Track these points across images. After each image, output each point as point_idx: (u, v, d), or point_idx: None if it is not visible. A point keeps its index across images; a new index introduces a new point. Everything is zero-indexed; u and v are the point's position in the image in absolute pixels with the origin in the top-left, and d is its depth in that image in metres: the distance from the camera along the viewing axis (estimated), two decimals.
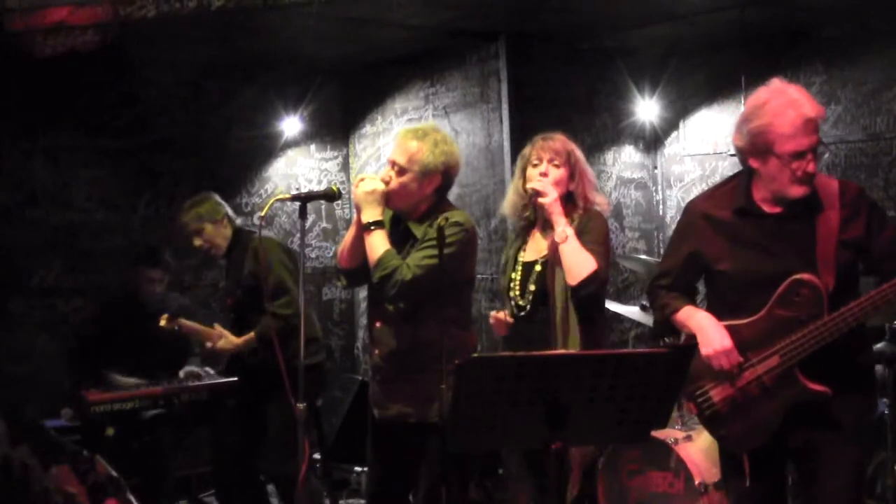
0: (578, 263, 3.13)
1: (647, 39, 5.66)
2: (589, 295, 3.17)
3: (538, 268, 3.28)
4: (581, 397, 2.29)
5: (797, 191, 2.68)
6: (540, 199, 3.18)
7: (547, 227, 3.29)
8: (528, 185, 3.25)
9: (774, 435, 2.74)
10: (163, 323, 4.52)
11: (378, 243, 3.18)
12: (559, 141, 3.34)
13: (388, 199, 3.24)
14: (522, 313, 3.29)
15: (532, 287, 3.27)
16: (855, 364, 2.77)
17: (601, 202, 3.35)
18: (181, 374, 4.99)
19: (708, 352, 2.77)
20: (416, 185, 3.23)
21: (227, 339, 4.39)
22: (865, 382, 2.84)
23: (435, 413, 3.23)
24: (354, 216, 3.29)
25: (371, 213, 3.19)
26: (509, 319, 3.33)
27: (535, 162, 3.32)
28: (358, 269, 3.34)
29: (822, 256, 2.67)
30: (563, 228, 3.15)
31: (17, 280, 5.32)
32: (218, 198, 4.61)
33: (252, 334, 4.33)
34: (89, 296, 5.46)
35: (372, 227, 3.18)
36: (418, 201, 3.28)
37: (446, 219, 3.15)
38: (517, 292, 3.31)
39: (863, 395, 2.80)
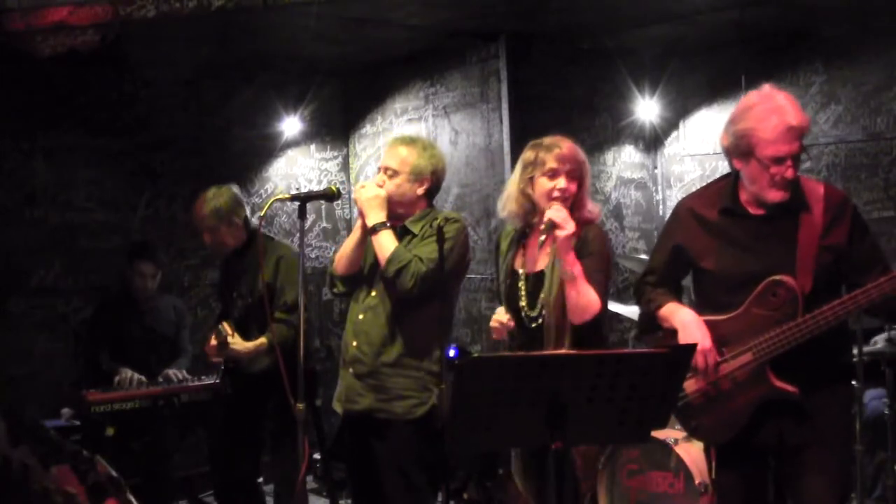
0: (583, 306, 3.05)
1: (647, 39, 5.65)
2: (585, 326, 3.11)
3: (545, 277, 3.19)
4: (581, 397, 2.29)
5: (775, 195, 2.74)
6: (557, 232, 3.02)
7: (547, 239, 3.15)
8: (548, 215, 3.05)
9: (746, 429, 2.80)
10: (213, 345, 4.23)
11: (388, 241, 3.37)
12: (571, 149, 3.19)
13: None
14: (534, 324, 3.21)
15: (543, 296, 3.18)
16: (834, 363, 2.82)
17: (595, 210, 3.25)
18: (160, 378, 4.97)
19: None
20: (409, 186, 3.46)
21: (240, 342, 4.16)
22: (843, 380, 2.91)
23: (405, 410, 3.35)
24: (357, 221, 3.45)
25: (376, 216, 3.38)
26: (511, 324, 3.23)
27: (551, 173, 3.15)
28: (356, 275, 3.52)
29: (801, 259, 2.72)
30: (572, 270, 3.03)
31: (17, 280, 5.32)
32: (238, 193, 4.42)
33: (264, 340, 4.14)
34: (89, 296, 5.46)
35: (379, 228, 3.36)
36: (412, 202, 3.49)
37: (445, 219, 3.35)
38: (524, 303, 3.23)
39: (841, 393, 2.87)
